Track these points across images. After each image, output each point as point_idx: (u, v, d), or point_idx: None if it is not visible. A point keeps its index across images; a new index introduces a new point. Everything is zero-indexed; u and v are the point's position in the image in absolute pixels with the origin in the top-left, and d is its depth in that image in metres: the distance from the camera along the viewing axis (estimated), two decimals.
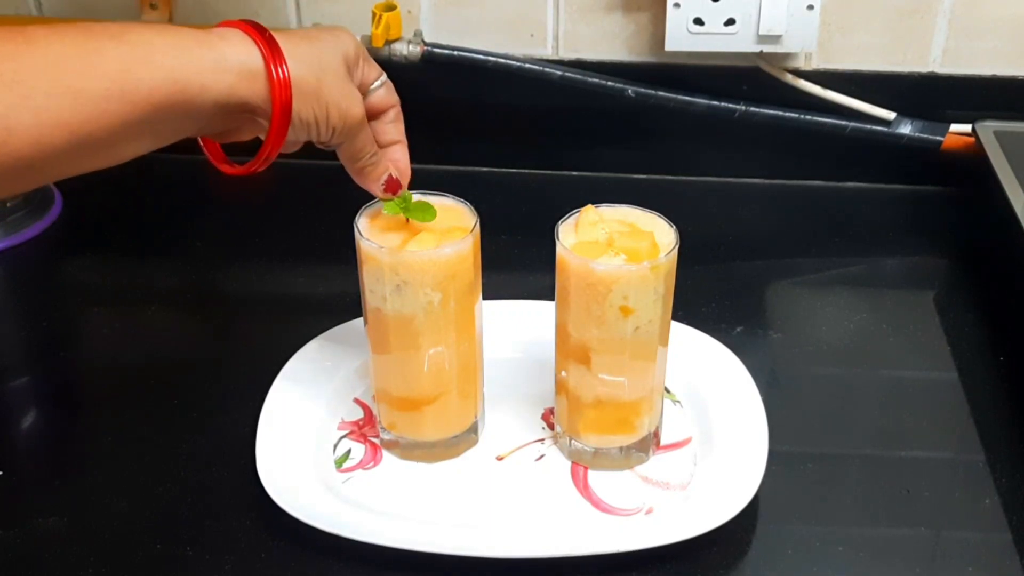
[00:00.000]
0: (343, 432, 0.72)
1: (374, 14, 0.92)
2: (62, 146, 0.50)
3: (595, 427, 0.68)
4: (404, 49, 0.93)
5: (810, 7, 0.90)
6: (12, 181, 0.51)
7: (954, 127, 0.96)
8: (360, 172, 0.64)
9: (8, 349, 0.83)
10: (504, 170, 1.02)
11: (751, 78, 0.96)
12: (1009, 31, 0.93)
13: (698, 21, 0.91)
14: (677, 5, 0.90)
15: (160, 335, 0.83)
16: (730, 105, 0.96)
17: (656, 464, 0.69)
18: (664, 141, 1.00)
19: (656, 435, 0.70)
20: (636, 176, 1.02)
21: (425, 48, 0.94)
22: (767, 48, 0.92)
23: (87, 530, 0.65)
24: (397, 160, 0.65)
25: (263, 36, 0.55)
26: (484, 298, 0.68)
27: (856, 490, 0.68)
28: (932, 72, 0.96)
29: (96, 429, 0.74)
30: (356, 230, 0.64)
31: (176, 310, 0.86)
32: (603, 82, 0.96)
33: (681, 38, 0.92)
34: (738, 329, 0.81)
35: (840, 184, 1.01)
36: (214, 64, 0.54)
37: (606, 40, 0.97)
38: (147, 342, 0.82)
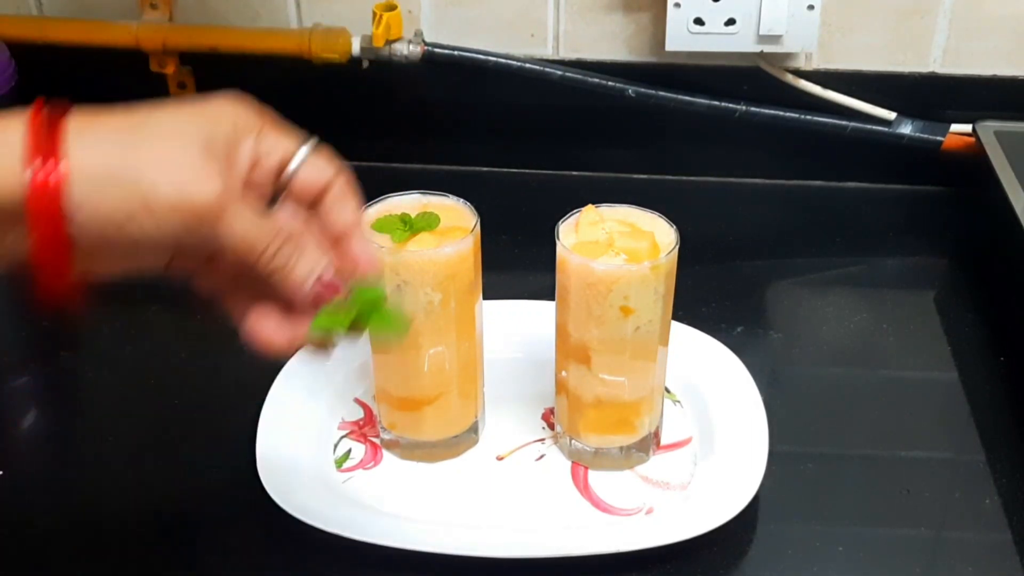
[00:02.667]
0: (343, 432, 0.72)
1: (374, 14, 0.92)
2: None
3: (595, 427, 0.68)
4: (404, 49, 0.93)
5: (810, 7, 0.90)
6: None
7: (954, 127, 0.95)
8: (272, 279, 0.46)
9: (8, 349, 0.83)
10: (504, 170, 1.02)
11: (751, 78, 0.96)
12: (1009, 31, 0.93)
13: (698, 21, 0.91)
14: (677, 5, 0.90)
15: (160, 335, 0.83)
16: (730, 105, 0.96)
17: (656, 464, 0.69)
18: (664, 141, 1.00)
19: (656, 435, 0.70)
20: (636, 176, 1.02)
21: (425, 48, 0.94)
22: (767, 48, 0.92)
23: (87, 530, 0.65)
24: (352, 258, 0.49)
25: (46, 118, 0.42)
26: (484, 298, 0.68)
27: (856, 490, 0.68)
28: (932, 72, 0.96)
29: (96, 429, 0.74)
30: None
31: (176, 310, 0.86)
32: (603, 82, 0.96)
33: (681, 38, 0.92)
34: (738, 329, 0.81)
35: (840, 184, 1.01)
36: None
37: (606, 40, 0.97)
38: (147, 342, 0.82)
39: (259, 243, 0.46)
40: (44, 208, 0.41)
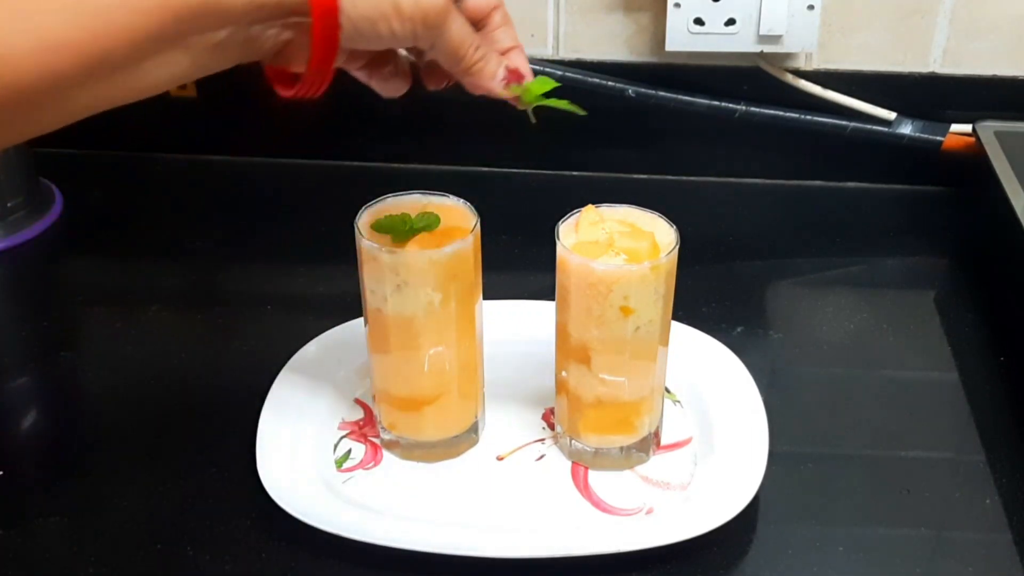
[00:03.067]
0: (343, 432, 0.72)
1: None
2: (70, 71, 0.44)
3: (595, 427, 0.68)
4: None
5: (810, 7, 0.90)
6: (19, 119, 0.45)
7: (954, 127, 0.96)
8: (470, 73, 0.56)
9: (8, 349, 0.83)
10: (504, 170, 1.02)
11: (751, 78, 0.96)
12: (1009, 31, 0.93)
13: (698, 21, 0.91)
14: (677, 5, 0.90)
15: (160, 335, 0.83)
16: (730, 105, 0.96)
17: (656, 464, 0.69)
18: (664, 141, 1.00)
19: (656, 435, 0.70)
20: (636, 176, 1.02)
21: None
22: (767, 48, 0.92)
23: (87, 530, 0.65)
24: (517, 67, 0.59)
25: None
26: (484, 298, 0.68)
27: (856, 490, 0.68)
28: (932, 72, 0.96)
29: (96, 429, 0.74)
30: (356, 230, 0.64)
31: (176, 310, 0.86)
32: (603, 82, 0.96)
33: (681, 38, 0.92)
34: (738, 329, 0.81)
35: (840, 184, 1.01)
36: None
37: (606, 40, 0.97)
38: (147, 342, 0.82)
39: (465, 44, 0.55)
40: (324, 3, 0.49)
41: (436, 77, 0.59)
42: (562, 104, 0.59)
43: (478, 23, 0.57)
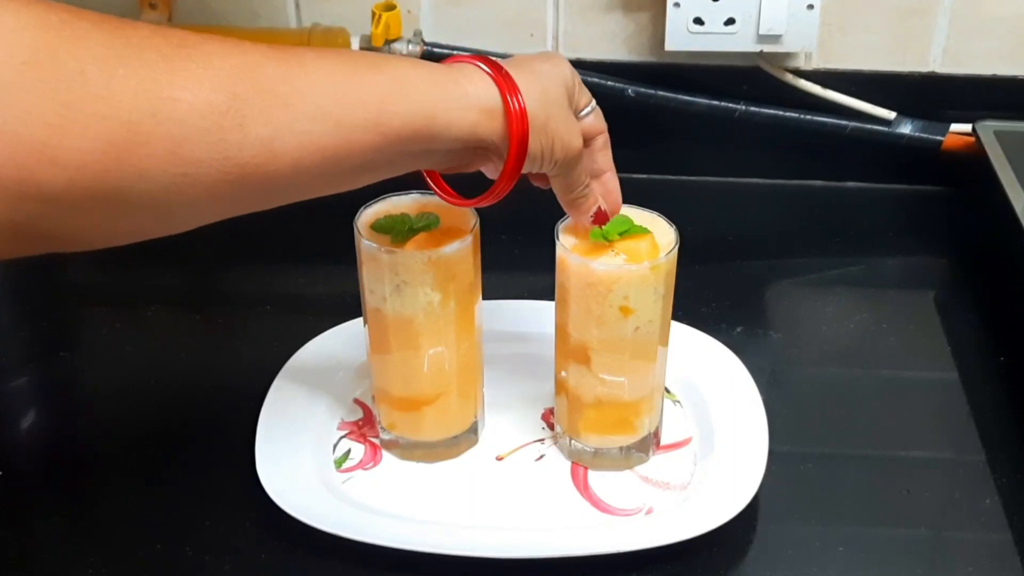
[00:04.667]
0: (343, 432, 0.72)
1: (374, 14, 0.92)
2: (316, 171, 0.50)
3: (595, 427, 0.68)
4: (404, 49, 0.93)
5: (810, 7, 0.90)
6: (262, 199, 0.52)
7: (954, 127, 0.96)
8: (572, 204, 0.63)
9: (8, 349, 0.83)
10: None
11: (751, 78, 0.96)
12: (1009, 31, 0.93)
13: (698, 21, 0.91)
14: (677, 5, 0.90)
15: (160, 335, 0.83)
16: (730, 105, 0.96)
17: (656, 464, 0.69)
18: (664, 141, 1.00)
19: (656, 435, 0.70)
20: (636, 176, 1.02)
21: (425, 48, 0.94)
22: (767, 48, 0.92)
23: (87, 530, 0.65)
24: (610, 190, 0.64)
25: (500, 73, 0.55)
26: (484, 298, 0.68)
27: (856, 490, 0.68)
28: (932, 72, 0.96)
29: (96, 429, 0.74)
30: (356, 230, 0.64)
31: (176, 310, 0.86)
32: (603, 82, 0.96)
33: (681, 38, 0.92)
34: (738, 329, 0.81)
35: (840, 184, 1.01)
36: (460, 101, 0.54)
37: (606, 40, 0.97)
38: (147, 342, 0.82)
39: (580, 182, 0.61)
40: (520, 132, 0.55)
41: (540, 181, 0.63)
42: (635, 241, 0.64)
43: (586, 141, 0.62)
